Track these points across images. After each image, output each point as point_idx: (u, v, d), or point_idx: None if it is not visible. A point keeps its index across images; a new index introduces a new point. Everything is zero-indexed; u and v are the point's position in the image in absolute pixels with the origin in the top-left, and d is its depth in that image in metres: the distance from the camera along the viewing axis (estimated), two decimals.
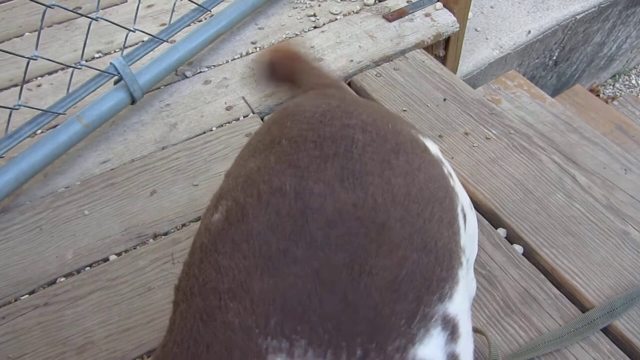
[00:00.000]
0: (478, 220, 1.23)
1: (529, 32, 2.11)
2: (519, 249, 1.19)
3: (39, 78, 1.60)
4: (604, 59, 2.77)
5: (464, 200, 0.67)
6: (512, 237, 1.21)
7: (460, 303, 0.51)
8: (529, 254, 1.18)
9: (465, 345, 0.50)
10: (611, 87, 3.02)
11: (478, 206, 1.26)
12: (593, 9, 2.26)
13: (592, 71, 2.80)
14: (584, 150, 1.71)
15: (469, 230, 0.69)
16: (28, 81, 1.58)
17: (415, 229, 0.50)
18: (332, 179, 0.50)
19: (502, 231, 1.22)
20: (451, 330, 0.48)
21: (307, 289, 0.42)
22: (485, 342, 1.04)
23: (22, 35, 1.74)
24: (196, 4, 1.59)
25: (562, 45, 2.34)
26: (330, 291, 0.42)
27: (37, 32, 1.48)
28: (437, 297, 0.47)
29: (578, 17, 2.23)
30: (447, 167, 0.68)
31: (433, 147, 0.69)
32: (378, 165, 0.54)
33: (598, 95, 2.96)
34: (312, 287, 0.42)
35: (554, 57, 2.39)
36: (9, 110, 1.26)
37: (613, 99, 2.93)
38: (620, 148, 1.74)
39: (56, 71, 1.62)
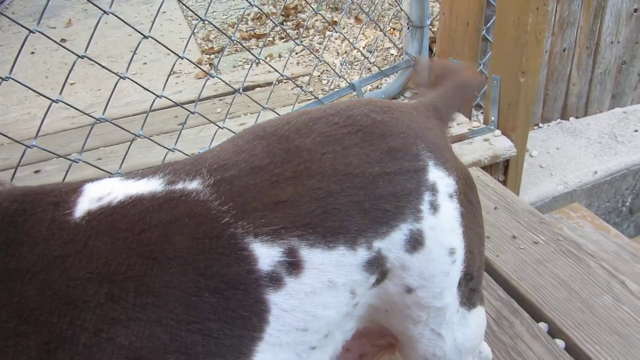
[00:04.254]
0: (518, 312, 1.23)
1: (596, 172, 2.16)
2: (560, 343, 1.16)
3: None
4: None
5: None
6: (554, 332, 1.18)
7: (319, 258, 0.59)
8: (571, 349, 1.14)
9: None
10: None
11: (520, 300, 1.26)
12: None
13: None
14: None
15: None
16: None
17: (322, 196, 0.60)
18: (320, 136, 0.64)
19: (543, 325, 1.20)
20: (293, 263, 0.57)
21: (243, 164, 0.61)
22: None
23: None
24: (347, 82, 1.83)
25: (634, 191, 2.34)
26: (251, 171, 0.60)
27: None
28: (292, 225, 0.58)
29: None
30: (439, 198, 0.66)
31: (441, 182, 0.66)
32: (368, 157, 0.64)
33: None
34: (246, 165, 0.61)
35: (627, 204, 2.38)
36: None
37: None
38: None
39: None
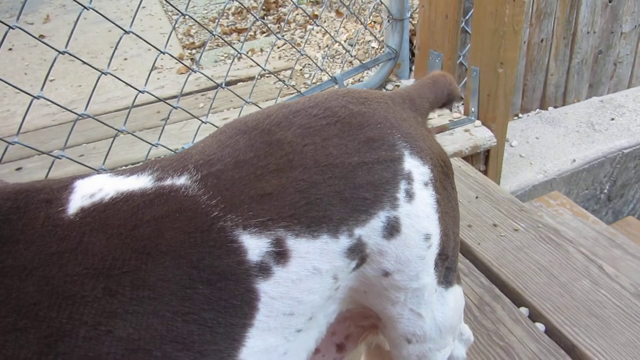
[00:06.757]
0: (499, 297, 1.26)
1: (574, 160, 2.21)
2: (540, 326, 1.19)
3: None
4: None
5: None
6: (534, 316, 1.22)
7: (304, 246, 0.60)
8: (551, 332, 1.17)
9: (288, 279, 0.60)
10: None
11: (501, 286, 1.29)
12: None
13: None
14: (628, 265, 1.69)
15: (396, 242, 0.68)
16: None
17: (308, 185, 0.62)
18: (300, 128, 0.66)
19: (524, 310, 1.23)
20: (280, 252, 0.59)
21: (228, 158, 0.63)
22: None
23: None
24: (329, 75, 1.85)
25: (612, 179, 2.39)
26: (236, 165, 0.62)
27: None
28: (278, 217, 0.60)
29: (625, 151, 2.31)
30: (414, 187, 0.67)
31: (416, 171, 0.68)
32: (350, 148, 0.66)
33: None
34: (231, 159, 0.63)
35: (605, 191, 2.43)
36: None
37: None
38: None
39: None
